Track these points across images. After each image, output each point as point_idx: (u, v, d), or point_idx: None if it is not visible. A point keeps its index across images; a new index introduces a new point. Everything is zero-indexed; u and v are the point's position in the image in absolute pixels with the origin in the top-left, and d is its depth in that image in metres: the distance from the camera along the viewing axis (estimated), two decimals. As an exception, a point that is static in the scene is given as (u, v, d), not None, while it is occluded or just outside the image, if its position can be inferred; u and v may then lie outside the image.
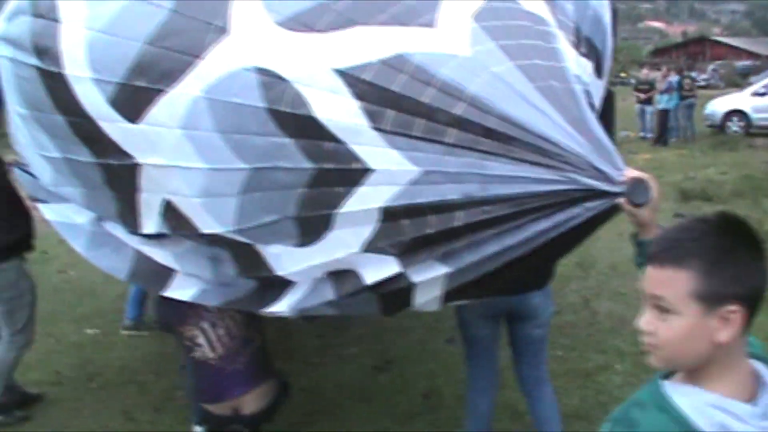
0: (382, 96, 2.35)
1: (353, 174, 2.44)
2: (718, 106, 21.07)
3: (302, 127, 2.48)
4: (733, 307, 1.40)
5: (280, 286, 3.10)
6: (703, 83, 37.24)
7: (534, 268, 2.68)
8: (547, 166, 2.14)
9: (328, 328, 5.98)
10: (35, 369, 5.35)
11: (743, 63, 50.37)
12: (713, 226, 1.46)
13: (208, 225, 3.00)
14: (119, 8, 3.05)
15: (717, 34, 61.31)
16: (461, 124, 2.23)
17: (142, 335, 6.19)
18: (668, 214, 9.97)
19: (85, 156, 3.34)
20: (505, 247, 2.31)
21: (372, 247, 2.56)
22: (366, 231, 2.53)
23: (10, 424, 4.70)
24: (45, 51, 3.24)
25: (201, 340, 3.80)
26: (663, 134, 19.24)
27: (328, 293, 2.88)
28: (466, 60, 2.34)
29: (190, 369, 3.95)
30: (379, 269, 2.61)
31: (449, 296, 2.69)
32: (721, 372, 1.47)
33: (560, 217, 2.19)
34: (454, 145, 2.24)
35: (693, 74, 28.65)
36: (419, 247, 2.46)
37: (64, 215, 4.02)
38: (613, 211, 2.17)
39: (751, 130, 19.88)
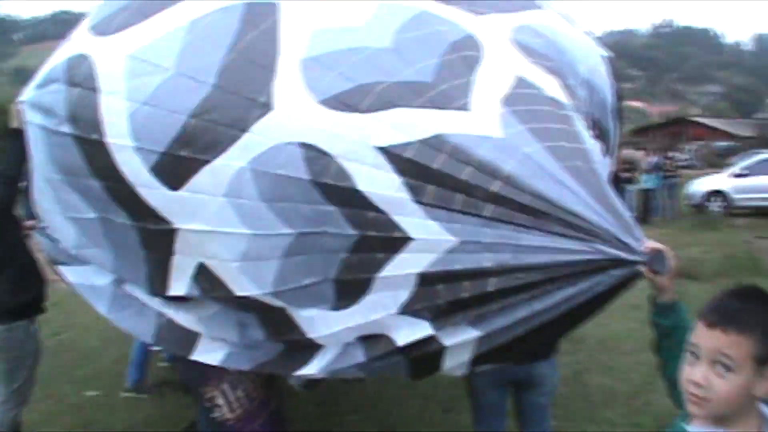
0: (423, 172, 2.62)
1: (394, 242, 2.68)
2: (699, 186, 21.63)
3: (347, 198, 2.74)
4: None
5: (309, 349, 3.30)
6: (683, 163, 38.12)
7: (558, 334, 2.89)
8: (576, 238, 2.40)
9: (326, 395, 6.12)
10: (39, 430, 5.42)
11: (722, 144, 51.60)
12: (759, 295, 1.75)
13: (243, 288, 3.20)
14: (160, 82, 3.29)
15: (696, 115, 62.74)
16: (497, 200, 2.49)
17: (143, 398, 6.31)
18: (648, 289, 10.27)
19: (122, 218, 3.53)
20: (534, 312, 2.55)
21: (408, 309, 2.78)
22: (403, 294, 2.76)
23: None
24: (82, 119, 3.47)
25: (221, 401, 3.96)
26: (646, 213, 19.70)
27: (359, 356, 3.08)
28: (500, 141, 2.62)
29: (209, 429, 4.10)
30: (412, 332, 2.83)
31: (476, 361, 2.90)
32: (743, 416, 1.73)
33: (586, 284, 2.44)
34: (490, 219, 2.50)
35: (674, 154, 29.40)
36: (453, 311, 2.70)
37: (85, 277, 4.19)
38: (634, 279, 2.42)
39: (732, 210, 20.38)
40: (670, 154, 23.40)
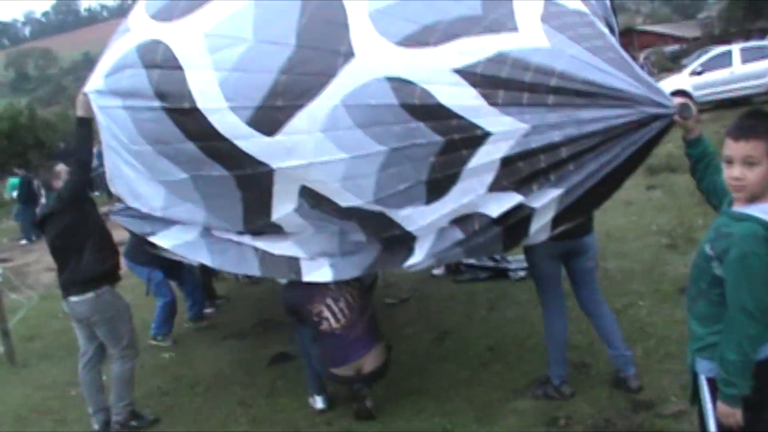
0: (494, 81, 3.45)
1: (476, 138, 3.53)
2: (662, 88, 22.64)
3: (432, 112, 3.57)
4: None
5: (407, 241, 4.14)
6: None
7: (618, 182, 3.73)
8: (623, 106, 3.25)
9: (384, 318, 6.94)
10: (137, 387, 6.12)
11: (671, 48, 52.73)
12: (763, 117, 2.62)
13: (347, 200, 4.03)
14: (243, 50, 4.07)
15: (641, 24, 63.74)
16: (557, 90, 3.34)
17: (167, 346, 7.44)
18: (641, 187, 11.28)
19: (217, 171, 4.32)
20: (601, 164, 3.42)
21: (495, 187, 3.63)
22: (489, 177, 3.63)
23: (143, 427, 5.57)
24: (170, 94, 4.25)
25: (327, 313, 4.79)
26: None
27: (457, 234, 3.93)
28: (549, 49, 3.45)
29: (317, 340, 4.93)
30: (502, 203, 3.69)
31: (556, 221, 3.76)
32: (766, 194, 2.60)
33: (637, 135, 3.30)
34: (553, 105, 3.34)
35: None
36: (534, 178, 3.55)
37: (178, 237, 4.98)
38: (671, 126, 3.28)
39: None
40: (640, 63, 24.22)
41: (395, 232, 4.10)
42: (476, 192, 3.71)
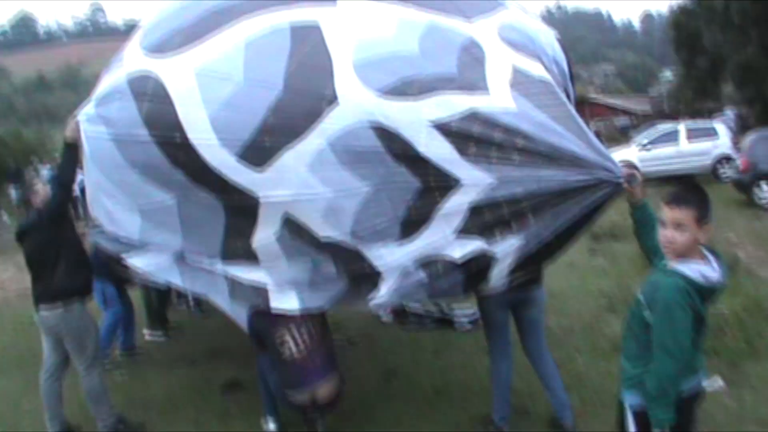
0: (466, 136, 3.90)
1: (449, 185, 3.98)
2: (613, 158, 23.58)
3: (411, 158, 4.01)
4: (708, 225, 3.01)
5: (373, 279, 4.52)
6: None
7: (567, 240, 4.19)
8: (579, 170, 3.72)
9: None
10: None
11: (622, 121, 54.56)
12: (696, 188, 3.11)
13: (325, 232, 4.42)
14: (233, 89, 4.43)
15: (595, 96, 65.72)
16: (522, 150, 3.80)
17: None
18: (585, 252, 11.86)
19: (205, 196, 4.67)
20: (557, 219, 3.88)
21: (461, 231, 4.06)
22: (457, 221, 4.07)
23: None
24: (160, 125, 4.58)
25: (289, 339, 5.11)
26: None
27: (420, 275, 4.33)
28: (516, 112, 3.93)
29: (277, 366, 5.24)
30: (466, 247, 4.12)
31: (514, 271, 4.19)
32: (694, 254, 3.09)
33: (590, 197, 3.77)
34: (518, 163, 3.80)
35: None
36: (497, 226, 3.99)
37: (151, 259, 5.28)
38: (619, 191, 3.75)
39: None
40: (593, 131, 25.09)
41: (364, 269, 4.48)
42: (444, 234, 4.14)
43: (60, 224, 5.65)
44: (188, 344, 8.51)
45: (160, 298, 8.77)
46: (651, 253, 3.62)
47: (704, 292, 3.13)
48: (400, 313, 8.73)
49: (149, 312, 8.83)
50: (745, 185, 16.76)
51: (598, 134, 37.75)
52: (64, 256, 5.63)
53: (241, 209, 4.63)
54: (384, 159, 4.08)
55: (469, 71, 4.19)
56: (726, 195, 17.44)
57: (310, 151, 4.22)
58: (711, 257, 3.24)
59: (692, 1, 33.29)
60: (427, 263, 4.30)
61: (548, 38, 5.07)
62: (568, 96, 4.73)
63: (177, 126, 4.52)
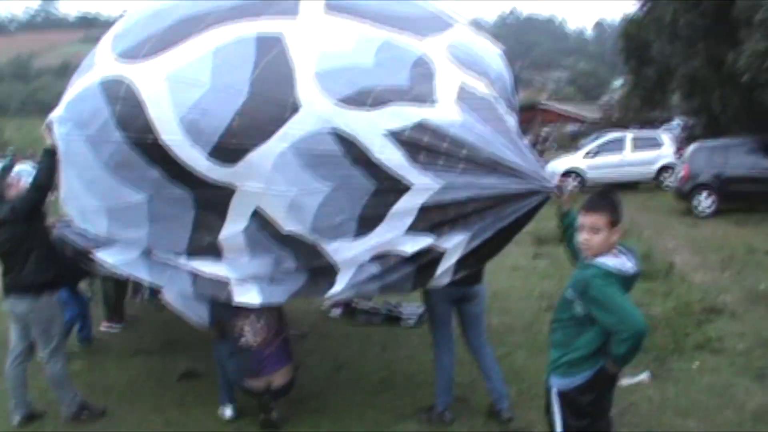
0: (417, 145, 4.36)
1: (401, 188, 4.43)
2: (557, 166, 24.28)
3: (367, 162, 4.45)
4: (619, 227, 3.51)
5: (330, 273, 4.94)
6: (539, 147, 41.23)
7: (506, 240, 4.68)
8: (517, 180, 4.20)
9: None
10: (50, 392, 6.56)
11: (572, 127, 55.69)
12: (608, 195, 3.60)
13: (289, 226, 4.84)
14: (201, 93, 4.81)
15: (547, 101, 66.75)
16: (466, 159, 4.26)
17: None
18: (528, 255, 12.42)
19: (179, 190, 5.05)
20: (497, 218, 4.35)
21: (412, 229, 4.51)
22: (408, 220, 4.53)
23: (96, 417, 6.22)
24: (133, 127, 4.94)
25: (247, 329, 5.51)
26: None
27: (373, 269, 4.76)
28: (461, 124, 4.40)
29: (235, 353, 5.62)
30: (417, 242, 4.57)
31: (459, 265, 4.64)
32: (610, 251, 3.58)
33: (525, 203, 4.25)
34: (462, 171, 4.26)
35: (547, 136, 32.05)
36: (446, 223, 4.44)
37: (119, 254, 5.62)
38: (548, 199, 4.24)
39: (586, 186, 23.09)
40: (544, 136, 25.81)
41: (322, 263, 4.90)
42: (397, 231, 4.59)
43: (32, 221, 5.94)
44: (144, 336, 8.79)
45: (118, 290, 9.05)
46: (574, 254, 4.11)
47: (620, 279, 3.59)
48: (349, 309, 9.15)
49: (107, 304, 9.09)
50: (685, 194, 17.57)
51: (545, 140, 38.77)
52: (35, 251, 5.91)
53: (212, 203, 5.03)
54: (342, 162, 4.51)
55: (420, 85, 4.65)
56: (667, 203, 18.34)
57: (274, 153, 4.63)
58: (625, 252, 3.71)
59: (642, 12, 34.09)
60: (380, 256, 4.73)
61: (493, 56, 5.57)
62: (512, 109, 5.20)
63: (149, 128, 4.88)
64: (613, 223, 3.62)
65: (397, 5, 5.61)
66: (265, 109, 4.68)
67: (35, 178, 5.88)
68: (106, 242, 5.60)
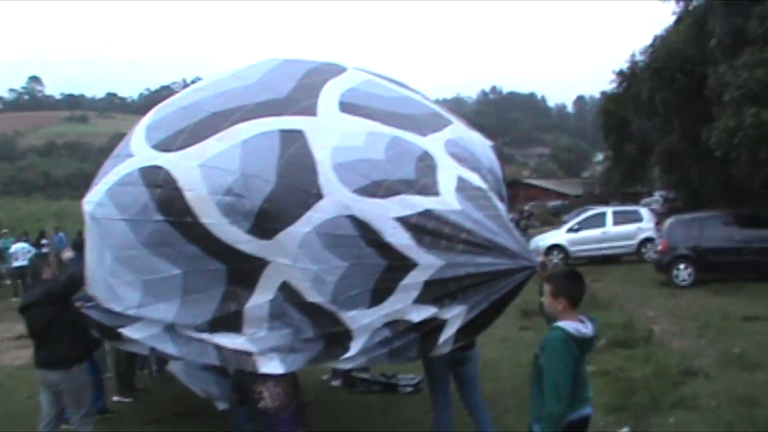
0: (422, 230, 5.15)
1: (408, 266, 5.20)
2: (541, 241, 25.13)
3: (380, 244, 5.23)
4: (562, 299, 4.44)
5: (344, 340, 5.63)
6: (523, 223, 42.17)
7: (498, 311, 5.43)
8: (508, 259, 4.98)
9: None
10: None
11: (554, 203, 56.89)
12: (566, 273, 4.51)
13: (312, 297, 5.55)
14: (232, 180, 5.55)
15: (529, 178, 68.11)
16: (465, 242, 5.04)
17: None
18: (516, 327, 13.12)
19: (214, 265, 5.76)
20: (491, 291, 5.11)
21: (418, 301, 5.26)
22: (415, 293, 5.27)
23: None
24: (173, 209, 5.69)
25: (266, 394, 6.16)
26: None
27: (385, 332, 5.46)
28: (461, 212, 5.20)
29: (253, 417, 6.27)
30: (422, 312, 5.30)
31: (458, 334, 5.34)
32: (568, 317, 4.45)
33: (515, 278, 5.03)
34: (462, 251, 5.05)
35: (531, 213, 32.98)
36: (447, 296, 5.19)
37: (145, 330, 6.28)
38: (534, 274, 5.03)
39: (569, 260, 23.94)
40: (527, 212, 26.65)
41: (338, 330, 5.59)
42: (405, 302, 5.33)
43: (63, 304, 6.64)
44: (155, 407, 9.35)
45: (129, 363, 9.66)
46: (547, 318, 4.94)
47: (578, 342, 4.40)
48: (349, 380, 9.82)
49: (119, 376, 9.70)
50: (664, 266, 18.42)
51: (528, 216, 39.86)
52: (66, 331, 6.60)
53: (244, 276, 5.73)
54: (358, 243, 5.29)
55: (424, 177, 5.48)
56: (648, 275, 19.14)
57: (300, 234, 5.40)
58: (586, 319, 4.55)
59: (620, 89, 35.30)
60: (391, 322, 5.44)
61: (485, 149, 6.47)
62: (501, 197, 6.02)
63: (187, 209, 5.64)
64: (556, 294, 4.58)
65: (402, 104, 6.53)
66: (292, 196, 5.45)
67: (75, 272, 6.57)
68: (131, 320, 6.24)
